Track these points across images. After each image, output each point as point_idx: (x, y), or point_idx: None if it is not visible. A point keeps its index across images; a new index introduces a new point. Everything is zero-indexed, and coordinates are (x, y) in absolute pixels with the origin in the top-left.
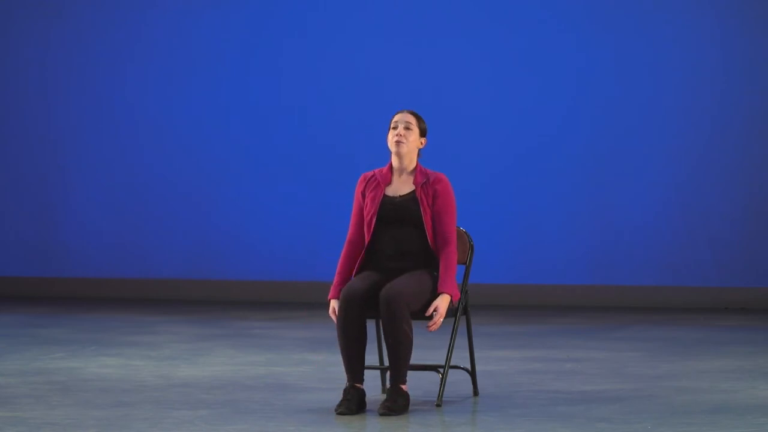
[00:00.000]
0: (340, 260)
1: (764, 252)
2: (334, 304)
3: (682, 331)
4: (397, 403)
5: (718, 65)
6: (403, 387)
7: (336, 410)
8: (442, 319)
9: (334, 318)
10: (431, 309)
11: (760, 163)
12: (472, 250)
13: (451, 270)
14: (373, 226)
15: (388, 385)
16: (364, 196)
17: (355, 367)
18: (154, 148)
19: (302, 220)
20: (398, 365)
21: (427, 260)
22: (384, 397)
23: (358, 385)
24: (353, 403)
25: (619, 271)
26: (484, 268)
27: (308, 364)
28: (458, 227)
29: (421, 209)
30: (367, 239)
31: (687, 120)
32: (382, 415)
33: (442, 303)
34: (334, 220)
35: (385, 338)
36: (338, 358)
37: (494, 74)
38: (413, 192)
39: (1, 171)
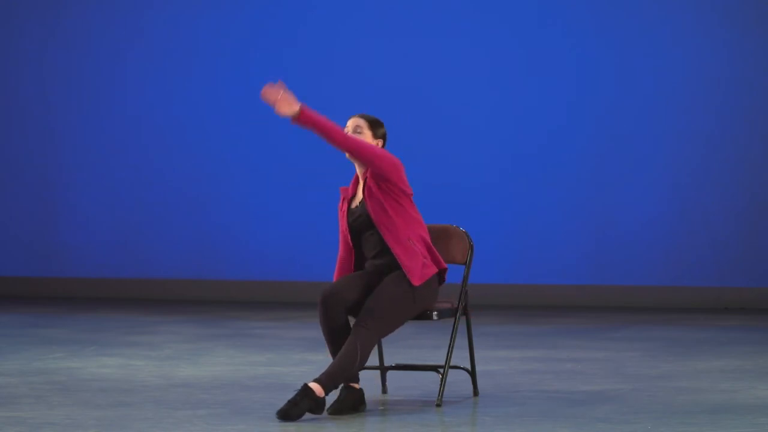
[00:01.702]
0: (335, 276)
1: (764, 252)
2: None
3: (682, 331)
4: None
5: (718, 65)
6: (316, 389)
7: (328, 410)
8: (277, 96)
9: None
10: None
11: (760, 163)
12: (472, 250)
13: (338, 128)
14: (350, 238)
15: (386, 385)
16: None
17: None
18: (153, 148)
19: (302, 220)
20: (332, 368)
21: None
22: (385, 397)
23: (353, 384)
24: (344, 403)
25: (619, 271)
26: (484, 268)
27: (308, 364)
28: (458, 227)
29: (369, 206)
30: (351, 246)
31: (687, 120)
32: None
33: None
34: (333, 221)
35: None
36: None
37: (495, 75)
38: (362, 198)
39: (1, 170)
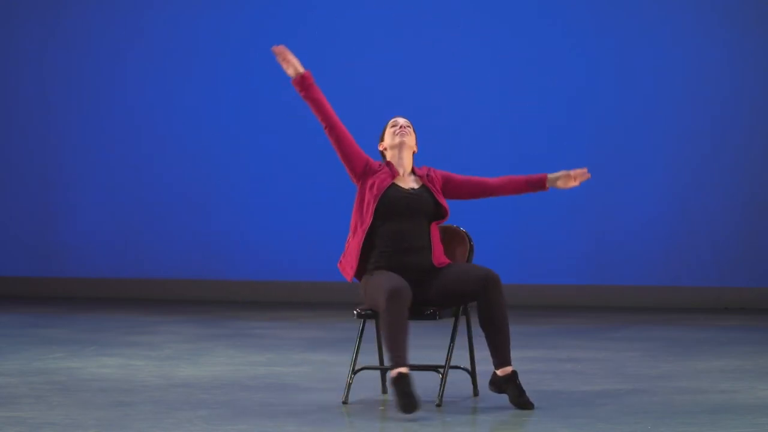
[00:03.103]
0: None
1: (764, 252)
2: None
3: (682, 331)
4: (526, 397)
5: (718, 66)
6: (510, 369)
7: (402, 410)
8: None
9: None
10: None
11: (761, 163)
12: (472, 250)
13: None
14: (372, 213)
15: (387, 385)
16: (365, 170)
17: (404, 350)
18: (153, 148)
19: (302, 220)
20: (506, 343)
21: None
22: (384, 397)
23: (404, 370)
24: (414, 396)
25: (619, 271)
26: None
27: (308, 364)
28: (458, 227)
29: (436, 197)
30: (367, 223)
31: (688, 121)
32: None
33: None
34: (333, 220)
35: (490, 324)
36: (337, 358)
37: (495, 74)
38: (423, 186)
39: (1, 171)
